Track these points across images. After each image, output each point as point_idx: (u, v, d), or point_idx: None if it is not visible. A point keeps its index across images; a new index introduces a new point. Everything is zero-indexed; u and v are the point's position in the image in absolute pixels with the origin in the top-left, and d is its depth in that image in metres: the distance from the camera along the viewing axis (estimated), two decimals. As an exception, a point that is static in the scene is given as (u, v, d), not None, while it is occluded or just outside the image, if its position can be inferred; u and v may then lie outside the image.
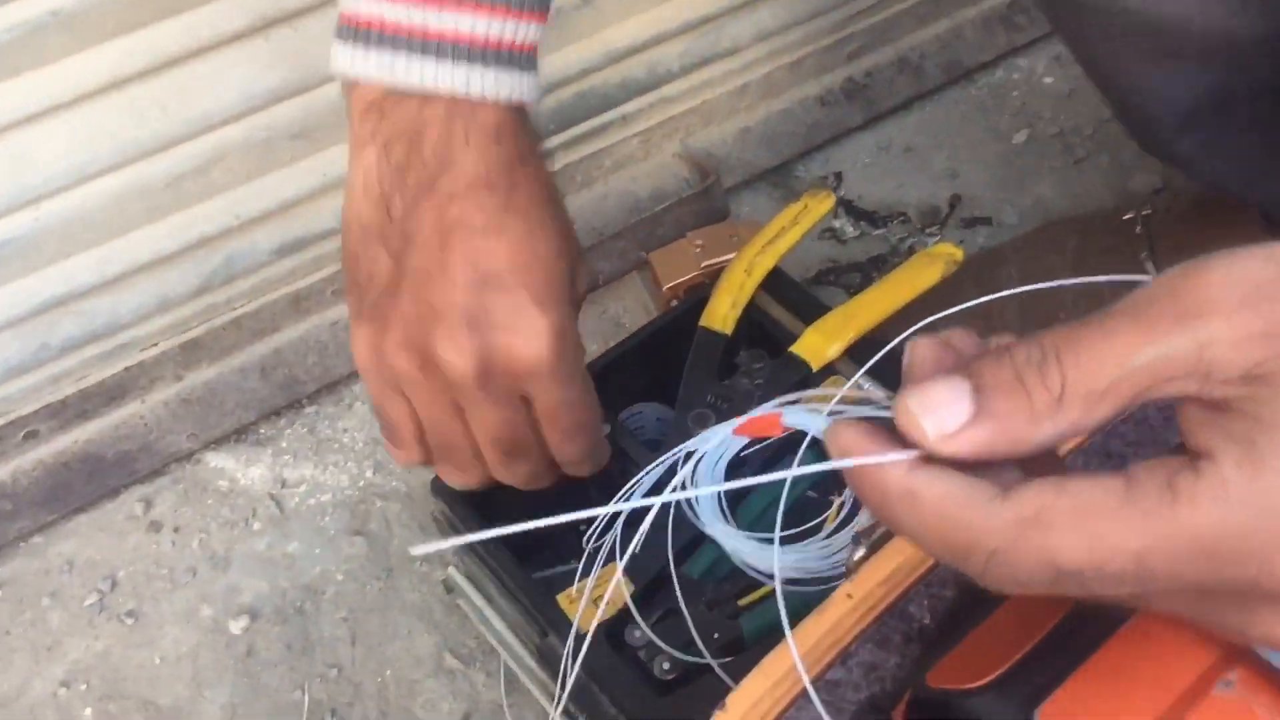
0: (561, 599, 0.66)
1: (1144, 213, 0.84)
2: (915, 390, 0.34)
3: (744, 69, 0.99)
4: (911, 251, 0.97)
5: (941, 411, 0.34)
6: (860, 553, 0.49)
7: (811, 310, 0.78)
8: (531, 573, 0.69)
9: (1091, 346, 0.33)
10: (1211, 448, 0.32)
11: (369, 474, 0.88)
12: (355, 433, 0.90)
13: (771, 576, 0.63)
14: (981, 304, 0.88)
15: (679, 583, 0.64)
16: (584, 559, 0.64)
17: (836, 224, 0.99)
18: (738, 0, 0.94)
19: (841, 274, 0.96)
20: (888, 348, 0.44)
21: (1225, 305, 0.31)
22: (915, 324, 0.83)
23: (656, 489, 0.59)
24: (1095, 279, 0.40)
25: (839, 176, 1.02)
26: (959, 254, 0.78)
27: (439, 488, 0.70)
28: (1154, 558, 0.32)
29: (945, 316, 0.88)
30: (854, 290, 0.95)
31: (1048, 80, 1.07)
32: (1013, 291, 0.47)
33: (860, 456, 0.34)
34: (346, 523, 0.86)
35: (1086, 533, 0.32)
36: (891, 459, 0.34)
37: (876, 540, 0.49)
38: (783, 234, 0.82)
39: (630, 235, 0.93)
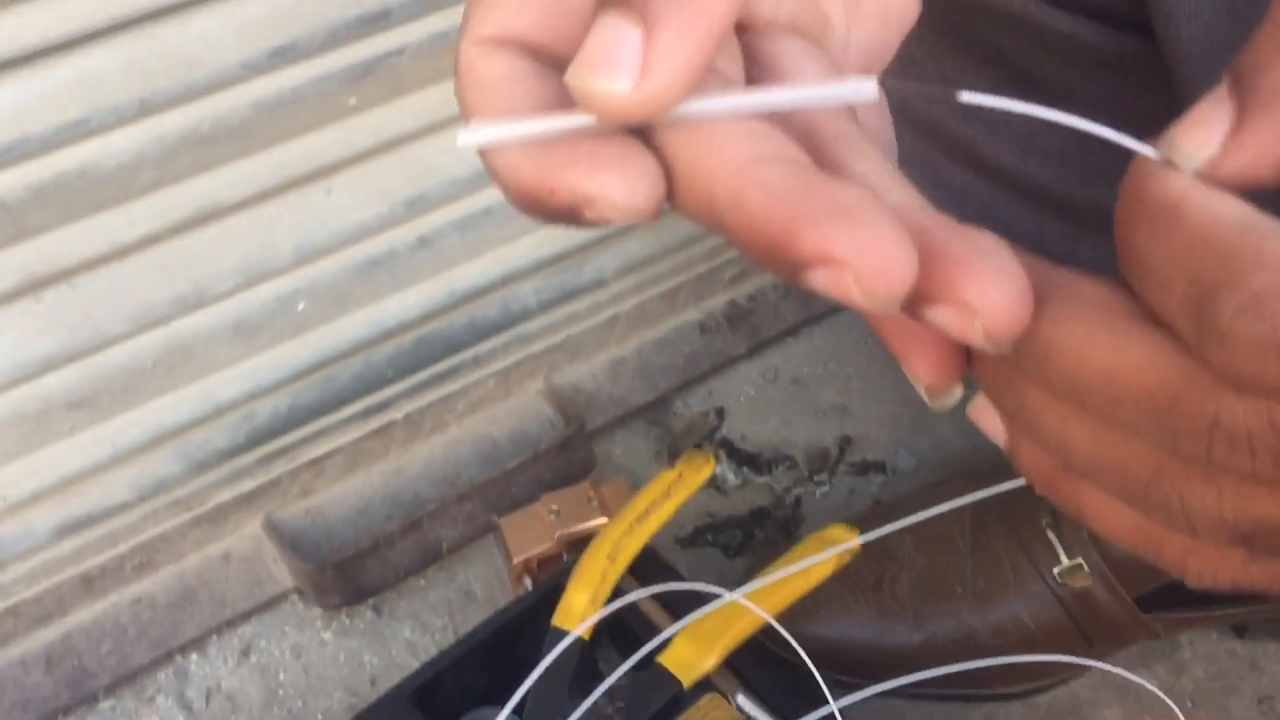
0: None
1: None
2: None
3: (612, 300, 0.90)
4: (799, 503, 0.87)
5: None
6: None
7: (686, 603, 0.67)
8: None
9: None
10: None
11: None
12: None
13: None
14: (873, 579, 0.78)
15: None
16: None
17: (718, 469, 0.89)
18: (596, 236, 0.85)
19: (720, 531, 0.85)
20: None
21: None
22: (803, 623, 0.72)
23: None
24: None
25: (720, 413, 0.93)
26: (855, 540, 0.67)
27: None
28: None
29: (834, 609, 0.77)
30: (733, 551, 0.84)
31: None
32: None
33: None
34: None
35: None
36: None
37: None
38: (654, 509, 0.71)
39: (480, 496, 0.82)
